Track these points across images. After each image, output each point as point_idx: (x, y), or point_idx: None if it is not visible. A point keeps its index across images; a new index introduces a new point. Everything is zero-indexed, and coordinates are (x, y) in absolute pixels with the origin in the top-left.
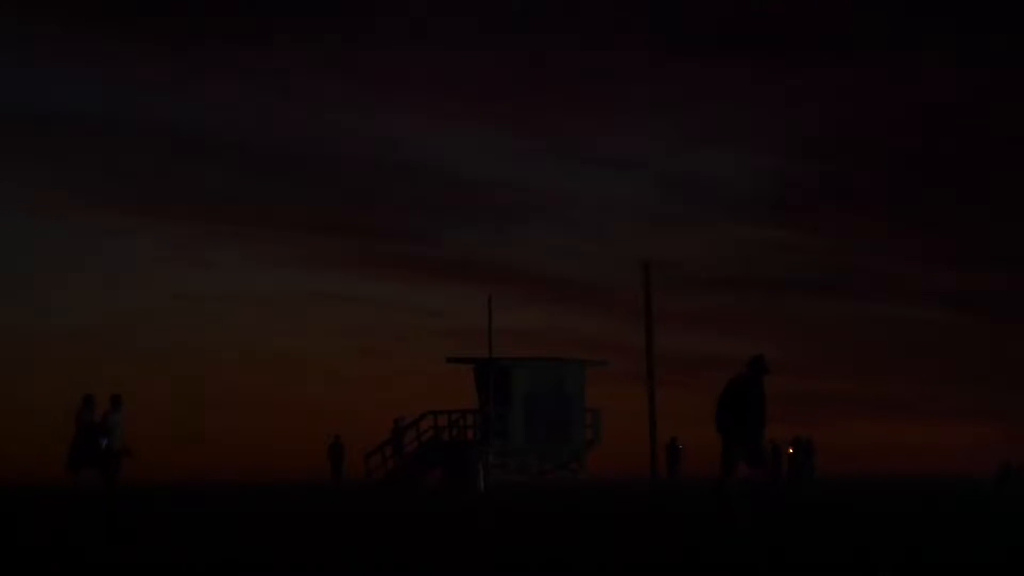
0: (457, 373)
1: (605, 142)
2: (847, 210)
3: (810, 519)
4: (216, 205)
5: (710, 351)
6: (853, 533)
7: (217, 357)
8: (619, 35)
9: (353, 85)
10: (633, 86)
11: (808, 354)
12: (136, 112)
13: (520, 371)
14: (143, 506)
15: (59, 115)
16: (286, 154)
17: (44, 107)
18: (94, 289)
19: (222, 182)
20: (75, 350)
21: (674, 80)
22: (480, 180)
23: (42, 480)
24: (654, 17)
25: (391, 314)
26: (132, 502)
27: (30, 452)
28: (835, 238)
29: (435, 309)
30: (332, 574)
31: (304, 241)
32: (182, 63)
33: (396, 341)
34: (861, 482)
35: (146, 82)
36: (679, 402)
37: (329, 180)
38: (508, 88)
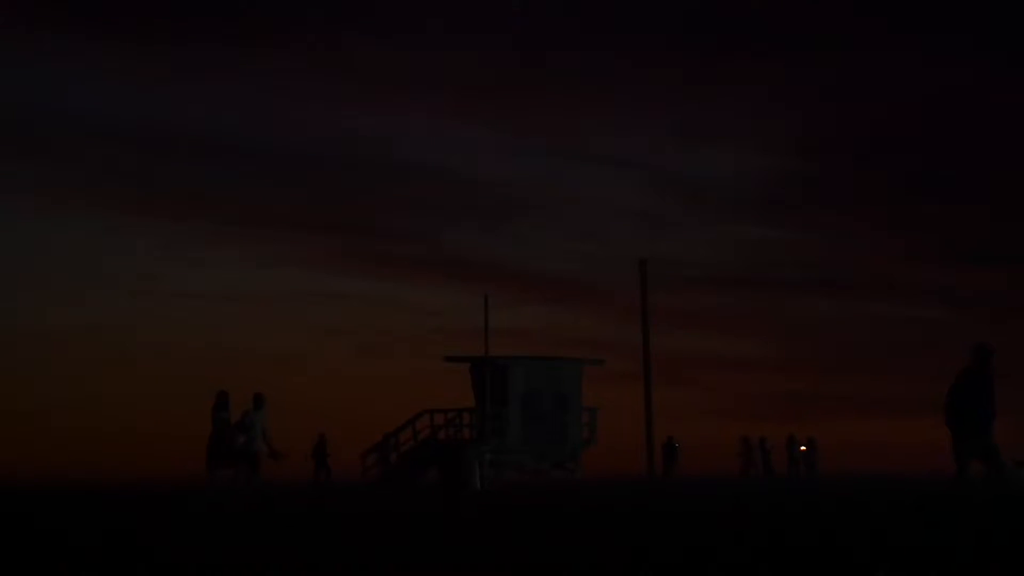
0: (454, 372)
1: (604, 142)
2: (847, 210)
3: (818, 516)
4: (216, 205)
5: (707, 350)
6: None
7: (216, 356)
8: (619, 35)
9: (353, 85)
10: (632, 86)
11: (807, 353)
12: (136, 112)
13: (517, 370)
14: (155, 506)
15: (59, 115)
16: (286, 154)
17: (44, 107)
18: (94, 289)
19: (222, 182)
20: (75, 350)
21: (673, 80)
22: (479, 180)
23: (41, 477)
24: (654, 17)
25: (389, 313)
26: (257, 503)
27: (29, 452)
28: (835, 238)
29: (433, 308)
30: (332, 574)
31: (304, 241)
32: (182, 63)
33: (394, 340)
34: (861, 481)
35: (146, 82)
36: (676, 401)
37: (329, 180)
38: (508, 88)
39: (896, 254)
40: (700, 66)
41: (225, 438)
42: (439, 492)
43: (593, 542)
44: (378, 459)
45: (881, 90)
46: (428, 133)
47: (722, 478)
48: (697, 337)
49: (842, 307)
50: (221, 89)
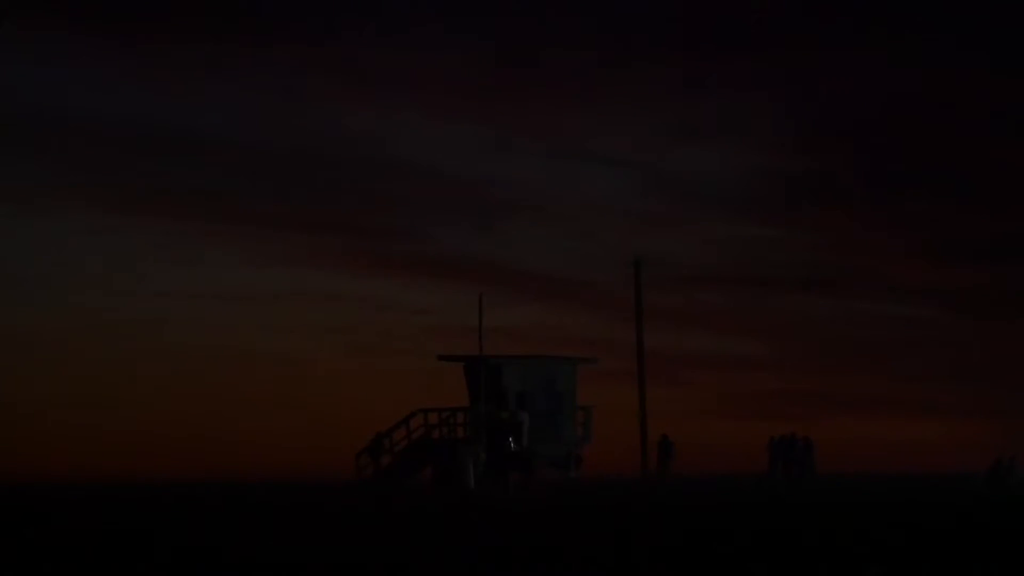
0: (448, 371)
1: (599, 140)
2: (846, 210)
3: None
4: (215, 205)
5: (701, 349)
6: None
7: (215, 356)
8: (615, 33)
9: (352, 85)
10: (628, 84)
11: (805, 353)
12: (135, 111)
13: (511, 369)
14: (155, 506)
15: (58, 114)
16: (286, 154)
17: (43, 106)
18: (93, 289)
19: (220, 181)
20: (74, 350)
21: (670, 78)
22: (473, 178)
23: (38, 477)
24: (651, 15)
25: (384, 312)
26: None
27: (28, 452)
28: (835, 238)
29: (426, 307)
30: (327, 573)
31: (303, 241)
32: (181, 62)
33: (389, 339)
34: (862, 480)
35: (146, 82)
36: (670, 399)
37: (328, 180)
38: (506, 87)
39: (896, 254)
40: (698, 64)
41: (505, 439)
42: (433, 491)
43: (588, 540)
44: (371, 458)
45: (881, 89)
46: (426, 133)
47: (719, 477)
48: (693, 336)
49: (841, 307)
50: (221, 89)
